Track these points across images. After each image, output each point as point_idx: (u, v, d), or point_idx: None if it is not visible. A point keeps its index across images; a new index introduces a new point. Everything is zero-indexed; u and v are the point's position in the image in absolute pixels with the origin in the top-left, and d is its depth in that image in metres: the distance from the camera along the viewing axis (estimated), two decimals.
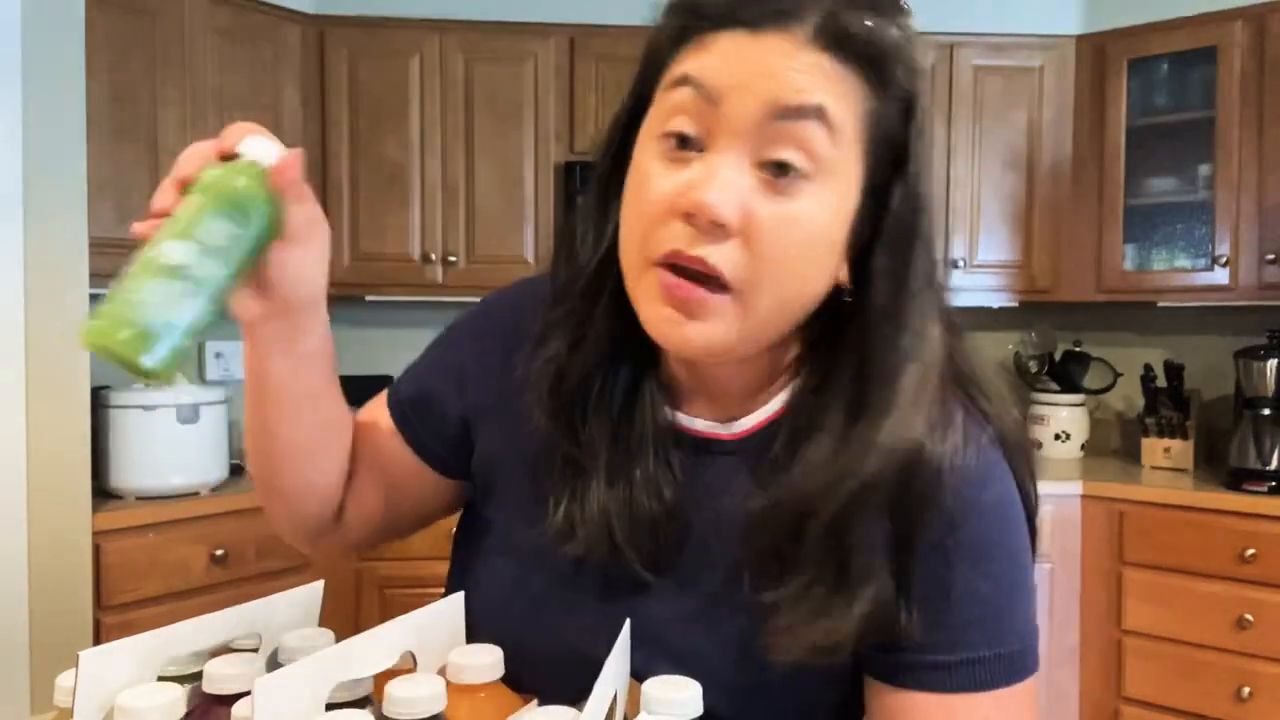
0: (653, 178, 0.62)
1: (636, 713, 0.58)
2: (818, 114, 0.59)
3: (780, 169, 0.60)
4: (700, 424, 0.72)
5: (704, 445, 0.72)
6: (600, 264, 0.69)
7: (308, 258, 0.65)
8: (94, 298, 2.15)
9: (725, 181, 0.59)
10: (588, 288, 0.70)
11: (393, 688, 0.56)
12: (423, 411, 0.81)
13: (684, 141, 0.62)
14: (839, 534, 0.63)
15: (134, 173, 2.46)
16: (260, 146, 0.61)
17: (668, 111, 0.62)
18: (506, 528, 0.77)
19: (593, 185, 0.71)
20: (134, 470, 2.36)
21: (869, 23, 0.60)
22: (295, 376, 0.72)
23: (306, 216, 0.64)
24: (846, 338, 0.65)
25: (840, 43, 0.60)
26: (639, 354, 0.70)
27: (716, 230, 0.60)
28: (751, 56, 0.60)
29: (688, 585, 0.70)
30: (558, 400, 0.70)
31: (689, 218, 0.60)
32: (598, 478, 0.70)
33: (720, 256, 0.60)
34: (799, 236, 0.61)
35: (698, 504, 0.71)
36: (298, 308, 0.67)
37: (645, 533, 0.69)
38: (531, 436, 0.73)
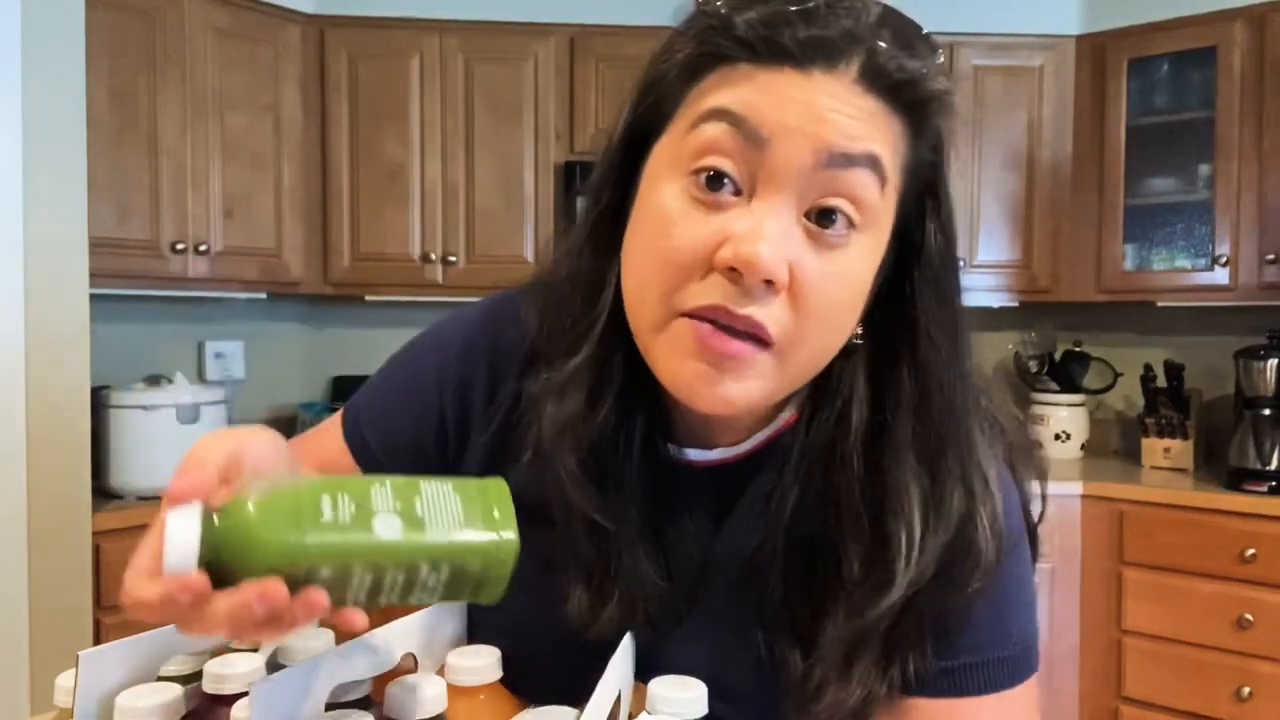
0: (679, 221, 0.57)
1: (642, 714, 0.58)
2: (871, 163, 0.56)
3: (827, 218, 0.56)
4: (701, 454, 0.70)
5: (709, 474, 0.70)
6: (610, 313, 0.63)
7: None
8: (94, 298, 2.15)
9: (775, 236, 0.55)
10: (600, 337, 0.64)
11: (393, 689, 0.56)
12: (403, 459, 0.74)
13: (717, 180, 0.56)
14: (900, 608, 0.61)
15: (134, 173, 2.46)
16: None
17: (699, 148, 0.57)
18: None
19: (590, 222, 0.65)
20: (134, 470, 2.36)
21: (912, 66, 0.57)
22: None
23: None
24: (892, 379, 0.63)
25: (888, 88, 0.56)
26: (650, 403, 0.66)
27: (764, 288, 0.55)
28: (800, 97, 0.55)
29: (701, 626, 0.69)
30: (584, 467, 0.65)
31: (733, 273, 0.55)
32: (626, 550, 0.66)
33: (768, 315, 0.56)
34: (844, 292, 0.58)
35: (709, 543, 0.69)
36: None
37: (670, 592, 0.67)
38: (534, 489, 0.67)
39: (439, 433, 0.75)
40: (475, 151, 2.91)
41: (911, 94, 0.57)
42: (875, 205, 0.57)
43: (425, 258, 2.90)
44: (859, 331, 0.63)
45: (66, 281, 2.09)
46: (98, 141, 2.28)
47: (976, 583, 0.62)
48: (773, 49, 0.55)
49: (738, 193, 0.56)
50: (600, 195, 0.65)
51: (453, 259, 2.90)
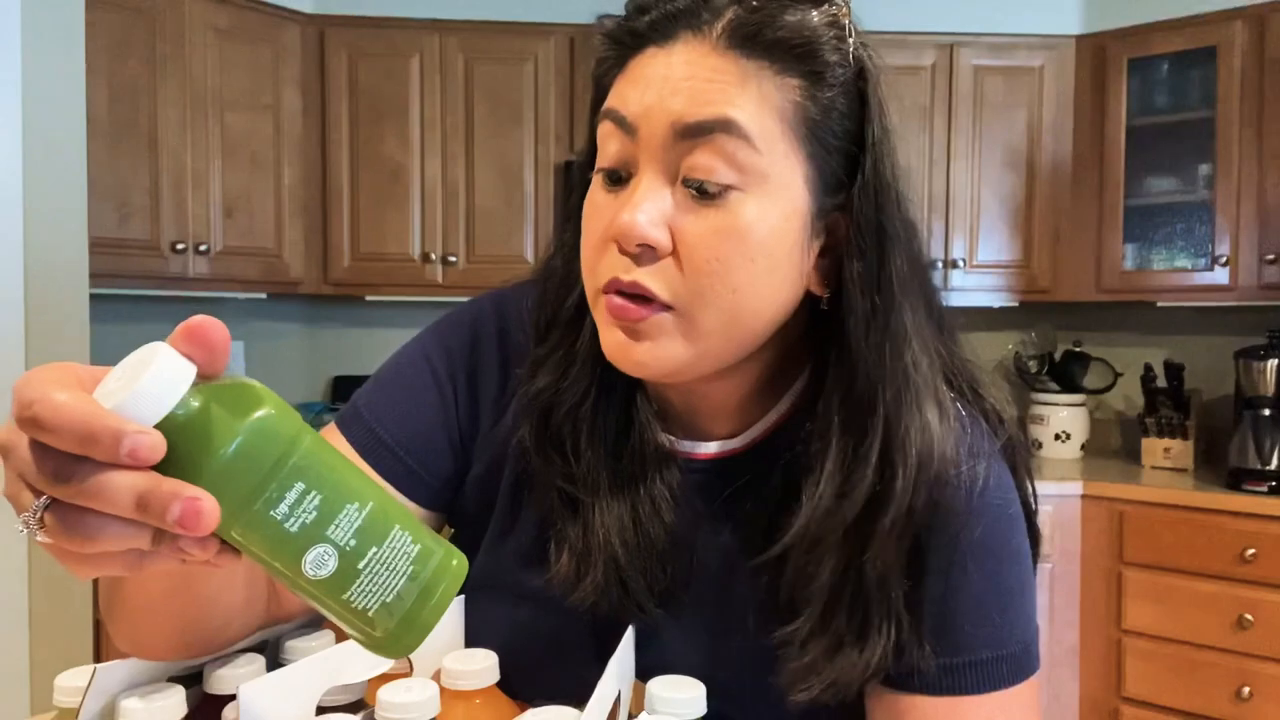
0: (595, 209, 0.63)
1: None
2: (725, 127, 0.58)
3: (699, 185, 0.59)
4: (699, 447, 0.71)
5: (706, 468, 0.70)
6: (580, 293, 0.68)
7: None
8: (94, 298, 2.15)
9: (644, 204, 0.59)
10: (571, 320, 0.69)
11: (385, 693, 0.56)
12: (415, 448, 0.73)
13: (612, 172, 0.62)
14: (857, 568, 0.62)
15: (134, 173, 2.46)
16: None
17: (600, 146, 0.63)
18: (506, 565, 0.74)
19: (572, 216, 0.70)
20: None
21: (785, 15, 0.59)
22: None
23: None
24: (834, 350, 0.63)
25: (750, 38, 0.58)
26: (627, 382, 0.68)
27: (648, 253, 0.59)
28: (658, 73, 0.59)
29: (694, 616, 0.69)
30: (548, 434, 0.69)
31: (619, 245, 0.60)
32: (599, 511, 0.67)
33: (652, 278, 0.59)
34: (735, 247, 0.59)
35: (699, 532, 0.70)
36: None
37: (654, 565, 0.68)
38: (522, 470, 0.71)
39: (451, 423, 0.75)
40: (475, 151, 2.91)
41: (777, 36, 0.58)
42: (750, 162, 0.58)
43: (425, 258, 2.90)
44: (825, 297, 0.64)
45: (66, 281, 2.09)
46: (98, 141, 2.28)
47: (900, 535, 0.62)
48: (635, 36, 0.61)
49: (630, 176, 0.62)
50: (575, 190, 0.69)
51: (453, 259, 2.90)
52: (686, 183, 0.59)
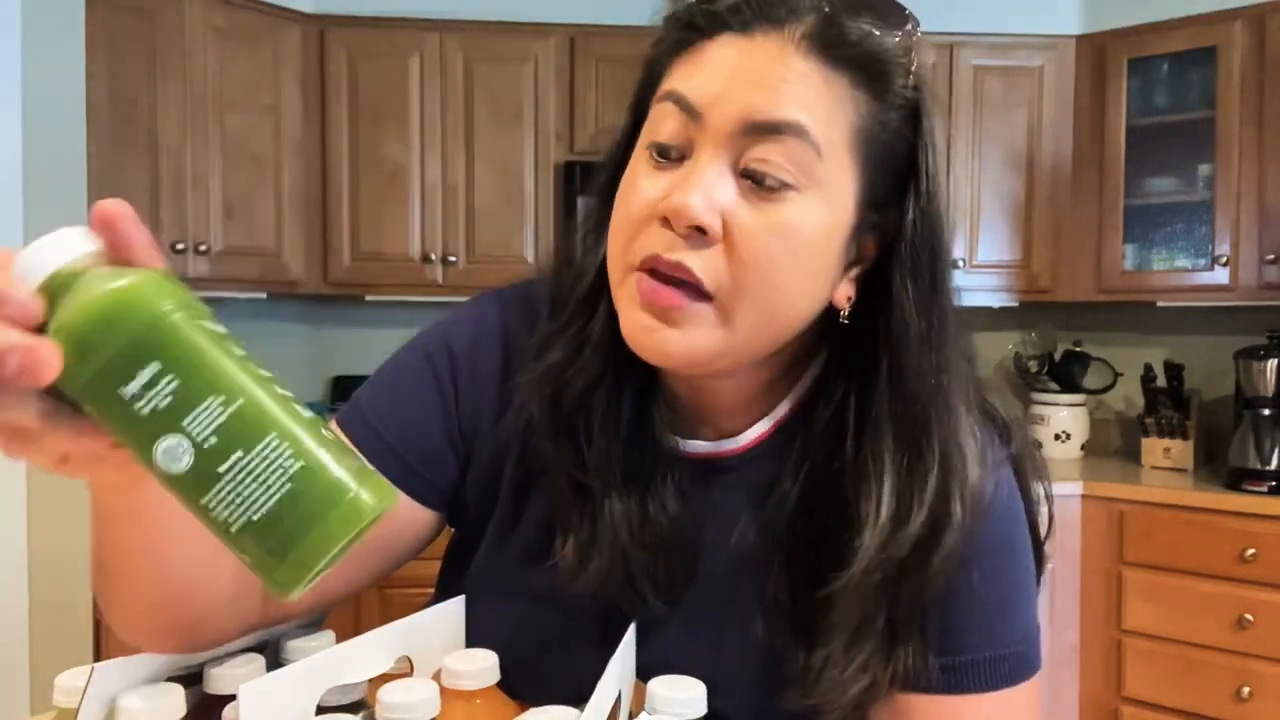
0: (638, 185, 0.61)
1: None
2: (796, 130, 0.57)
3: (759, 176, 0.58)
4: (702, 445, 0.70)
5: (708, 466, 0.70)
6: (596, 273, 0.66)
7: None
8: None
9: (703, 186, 0.58)
10: (585, 297, 0.67)
11: (385, 693, 0.56)
12: (417, 447, 0.73)
13: (665, 150, 0.61)
14: (886, 589, 0.62)
15: (134, 173, 2.46)
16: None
17: (655, 125, 0.61)
18: (507, 563, 0.74)
19: (596, 198, 0.69)
20: None
21: (866, 28, 0.58)
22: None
23: None
24: (873, 361, 0.63)
25: (833, 48, 0.58)
26: (641, 372, 0.67)
27: (696, 236, 0.58)
28: (737, 62, 0.58)
29: (697, 612, 0.69)
30: (558, 418, 0.67)
31: (667, 222, 0.59)
32: (608, 503, 0.66)
33: (699, 263, 0.58)
34: (785, 246, 0.59)
35: (705, 529, 0.69)
36: None
37: (659, 561, 0.67)
38: (530, 461, 0.70)
39: (451, 422, 0.74)
40: (475, 151, 2.91)
41: (858, 53, 0.58)
42: (812, 167, 0.58)
43: (425, 258, 2.90)
44: (846, 310, 0.64)
45: None
46: (98, 141, 2.28)
47: (956, 561, 0.62)
48: (713, 20, 0.60)
49: (684, 157, 0.60)
50: (603, 174, 0.68)
51: (453, 259, 2.90)
52: (746, 173, 0.58)
